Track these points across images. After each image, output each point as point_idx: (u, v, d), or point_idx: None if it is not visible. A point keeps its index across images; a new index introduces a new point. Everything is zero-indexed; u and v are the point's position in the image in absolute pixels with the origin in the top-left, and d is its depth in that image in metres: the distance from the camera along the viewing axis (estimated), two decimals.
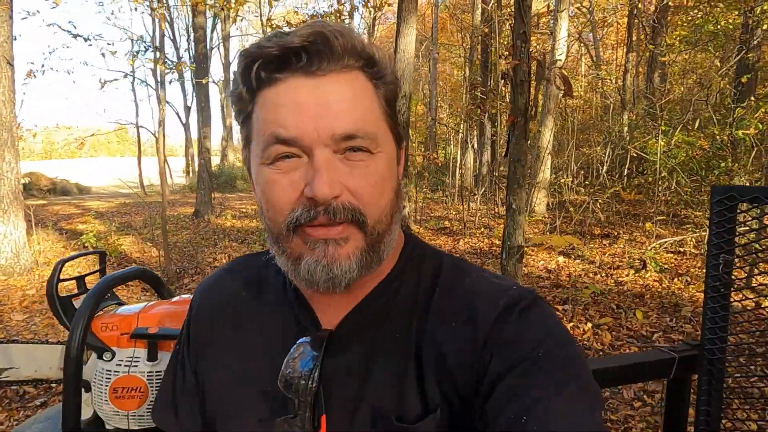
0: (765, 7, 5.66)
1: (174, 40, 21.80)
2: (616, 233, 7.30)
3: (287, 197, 0.56)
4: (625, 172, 9.67)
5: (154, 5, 7.79)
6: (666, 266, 5.55)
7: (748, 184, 6.32)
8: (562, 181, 9.11)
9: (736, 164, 6.84)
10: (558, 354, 0.54)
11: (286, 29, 0.61)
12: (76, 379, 0.91)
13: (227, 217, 10.81)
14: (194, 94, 22.14)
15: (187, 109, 22.94)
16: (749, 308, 1.33)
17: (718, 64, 9.22)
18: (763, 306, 1.36)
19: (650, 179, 7.80)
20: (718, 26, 7.06)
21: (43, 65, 8.10)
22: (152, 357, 0.97)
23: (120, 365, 0.96)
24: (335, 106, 0.54)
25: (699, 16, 7.99)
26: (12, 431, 1.04)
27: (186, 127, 23.77)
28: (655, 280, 5.19)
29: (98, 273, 1.13)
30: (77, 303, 1.07)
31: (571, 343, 0.57)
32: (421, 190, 11.69)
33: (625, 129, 10.17)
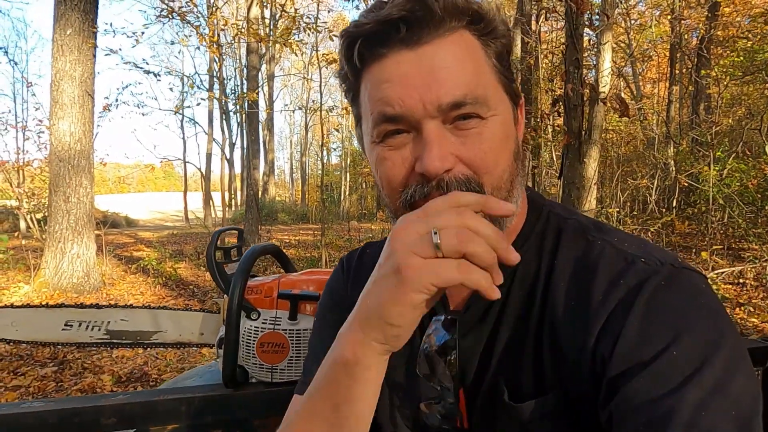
0: None
1: (221, 80, 23.18)
2: None
3: (399, 174, 0.54)
4: (674, 204, 9.49)
5: (214, 46, 8.37)
6: (726, 296, 5.39)
7: None
8: (610, 211, 9.01)
9: None
10: (694, 355, 0.45)
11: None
12: (236, 333, 1.03)
13: None
14: (240, 129, 23.30)
15: (231, 145, 24.03)
16: None
17: None
18: None
19: (703, 209, 7.64)
20: None
21: (117, 99, 8.74)
22: (293, 317, 1.09)
23: (266, 323, 1.09)
24: (440, 74, 0.51)
25: (750, 45, 7.96)
26: (166, 383, 1.17)
27: (230, 162, 24.80)
28: None
29: (237, 248, 1.28)
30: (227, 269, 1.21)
31: (719, 335, 0.46)
32: None
33: (671, 161, 10.04)
